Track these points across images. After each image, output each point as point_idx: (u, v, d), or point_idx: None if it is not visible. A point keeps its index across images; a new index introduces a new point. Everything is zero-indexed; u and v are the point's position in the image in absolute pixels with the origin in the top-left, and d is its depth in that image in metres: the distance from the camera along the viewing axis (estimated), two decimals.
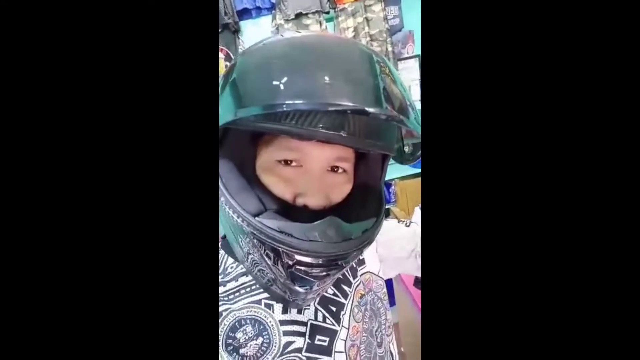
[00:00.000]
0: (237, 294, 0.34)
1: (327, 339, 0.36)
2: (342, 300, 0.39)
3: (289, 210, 0.30)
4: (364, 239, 0.31)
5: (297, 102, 0.23)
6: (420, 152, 0.35)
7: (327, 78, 0.24)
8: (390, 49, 1.62)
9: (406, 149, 0.36)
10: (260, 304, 0.35)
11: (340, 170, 0.33)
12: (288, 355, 0.34)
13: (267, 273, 0.31)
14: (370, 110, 0.23)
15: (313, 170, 0.31)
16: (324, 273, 0.30)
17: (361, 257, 0.42)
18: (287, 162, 0.31)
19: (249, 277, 0.34)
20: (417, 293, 0.96)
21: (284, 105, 0.23)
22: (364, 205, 0.34)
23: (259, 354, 0.33)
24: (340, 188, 0.34)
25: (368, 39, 1.60)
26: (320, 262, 0.29)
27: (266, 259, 0.30)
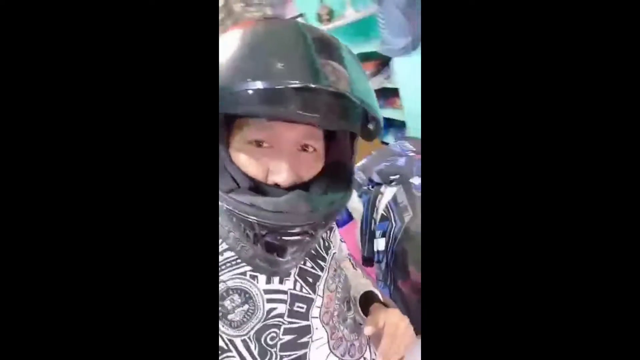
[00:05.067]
0: (222, 267, 0.38)
1: (305, 305, 0.42)
2: (318, 272, 0.45)
3: (261, 188, 0.35)
4: (332, 209, 0.36)
5: (251, 83, 0.28)
6: (381, 125, 0.40)
7: (277, 60, 0.28)
8: (269, 12, 1.47)
9: (370, 126, 0.39)
10: (245, 276, 0.39)
11: (310, 150, 0.37)
12: (272, 319, 0.40)
13: (248, 249, 0.36)
14: (313, 85, 0.28)
15: (283, 150, 0.35)
16: (297, 238, 0.34)
17: (331, 241, 0.51)
18: (258, 144, 0.35)
19: (232, 253, 0.39)
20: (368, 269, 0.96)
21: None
22: (334, 181, 0.39)
23: (245, 319, 0.38)
24: (310, 166, 0.38)
25: (242, 4, 1.42)
26: (290, 231, 0.34)
27: (245, 237, 0.34)
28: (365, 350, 0.51)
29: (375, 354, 0.51)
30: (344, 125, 0.35)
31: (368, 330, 0.45)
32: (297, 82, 0.27)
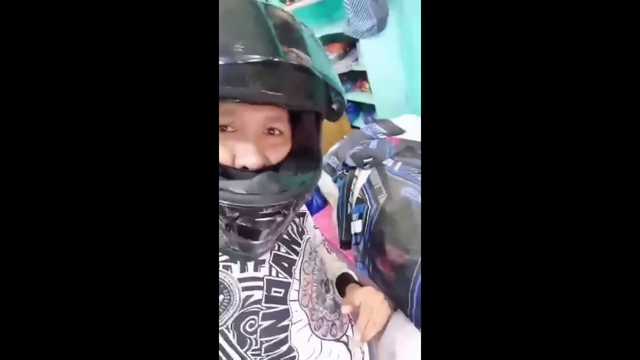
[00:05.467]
0: None
1: (282, 290, 0.43)
2: (294, 257, 0.47)
3: (228, 172, 0.35)
4: (303, 189, 0.36)
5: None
6: (345, 105, 0.40)
7: (237, 40, 0.28)
8: None
9: (334, 106, 0.40)
10: (218, 267, 0.39)
11: (277, 132, 0.38)
12: (249, 307, 0.40)
13: (221, 236, 0.36)
14: (275, 59, 0.28)
15: (249, 133, 0.36)
16: (268, 220, 0.35)
17: (305, 227, 0.53)
18: (222, 128, 0.35)
19: None
20: (346, 252, 0.98)
21: None
22: (303, 163, 0.40)
23: (221, 310, 0.39)
24: (277, 149, 0.38)
25: None
26: (263, 212, 0.34)
27: (219, 223, 0.34)
28: (347, 329, 0.53)
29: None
30: (309, 105, 0.35)
31: (345, 309, 0.47)
32: (258, 56, 0.28)
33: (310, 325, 0.46)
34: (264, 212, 0.34)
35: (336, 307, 0.53)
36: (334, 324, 0.50)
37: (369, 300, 0.49)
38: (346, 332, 0.53)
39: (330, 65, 0.37)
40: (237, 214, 0.33)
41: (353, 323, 0.55)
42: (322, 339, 0.47)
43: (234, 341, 0.40)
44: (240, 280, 0.40)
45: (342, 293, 0.57)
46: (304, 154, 0.40)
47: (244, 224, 0.34)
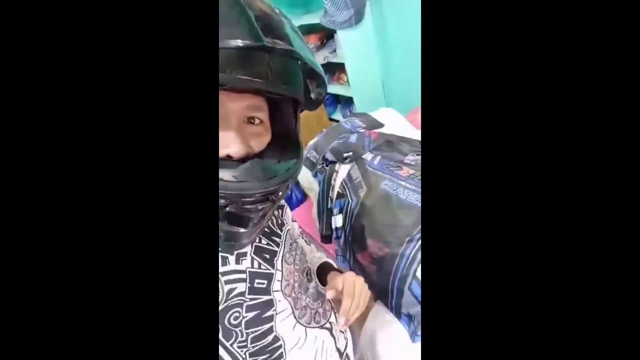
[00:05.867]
0: None
1: (265, 281, 0.45)
2: (275, 248, 0.48)
3: None
4: (288, 175, 0.38)
5: None
6: (324, 94, 0.42)
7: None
8: None
9: (312, 95, 0.41)
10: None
11: (257, 121, 0.39)
12: (233, 299, 0.41)
13: None
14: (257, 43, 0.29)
15: (231, 122, 0.37)
16: (257, 207, 0.36)
17: (284, 219, 0.55)
18: None
19: None
20: (327, 245, 1.01)
21: None
22: (284, 150, 0.42)
23: None
24: (259, 138, 0.40)
25: None
26: (251, 198, 0.35)
27: None
28: (330, 315, 0.56)
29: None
30: (288, 91, 0.36)
31: (330, 294, 0.49)
32: (239, 41, 0.29)
33: (294, 314, 0.47)
34: (253, 198, 0.35)
35: (319, 295, 0.55)
36: (317, 312, 0.53)
37: (351, 283, 0.51)
38: (329, 318, 0.55)
39: (313, 56, 0.38)
40: (226, 202, 0.34)
41: (335, 310, 0.58)
42: (306, 326, 0.49)
43: (220, 336, 0.40)
44: (223, 274, 0.41)
45: (323, 282, 0.59)
46: (285, 143, 0.42)
47: (233, 211, 0.35)
